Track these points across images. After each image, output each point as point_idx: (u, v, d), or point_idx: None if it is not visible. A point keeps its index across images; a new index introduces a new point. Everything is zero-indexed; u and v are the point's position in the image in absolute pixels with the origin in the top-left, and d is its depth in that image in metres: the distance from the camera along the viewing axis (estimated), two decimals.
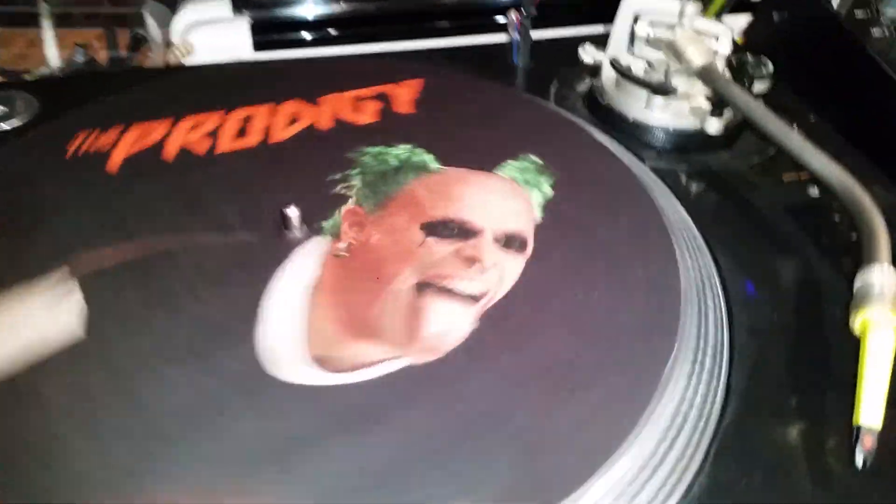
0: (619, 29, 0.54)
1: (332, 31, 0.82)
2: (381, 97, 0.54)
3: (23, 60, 0.82)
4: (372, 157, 0.48)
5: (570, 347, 0.36)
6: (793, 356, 0.39)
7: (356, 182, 0.46)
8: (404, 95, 0.54)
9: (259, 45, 0.77)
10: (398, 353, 0.35)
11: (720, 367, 0.37)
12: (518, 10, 0.61)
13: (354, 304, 0.39)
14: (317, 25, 0.82)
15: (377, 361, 0.35)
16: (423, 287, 0.39)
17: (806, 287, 0.43)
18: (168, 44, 0.80)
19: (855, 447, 0.32)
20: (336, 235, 0.42)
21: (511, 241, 0.42)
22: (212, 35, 0.76)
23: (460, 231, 0.42)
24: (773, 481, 0.33)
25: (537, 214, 0.44)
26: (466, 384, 0.34)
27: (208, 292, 0.39)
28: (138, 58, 0.82)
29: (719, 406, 0.36)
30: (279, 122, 0.51)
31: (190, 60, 0.71)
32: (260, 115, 0.52)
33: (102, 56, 0.82)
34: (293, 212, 0.42)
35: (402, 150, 0.48)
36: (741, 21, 0.72)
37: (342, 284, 0.40)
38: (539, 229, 0.43)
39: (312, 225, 0.42)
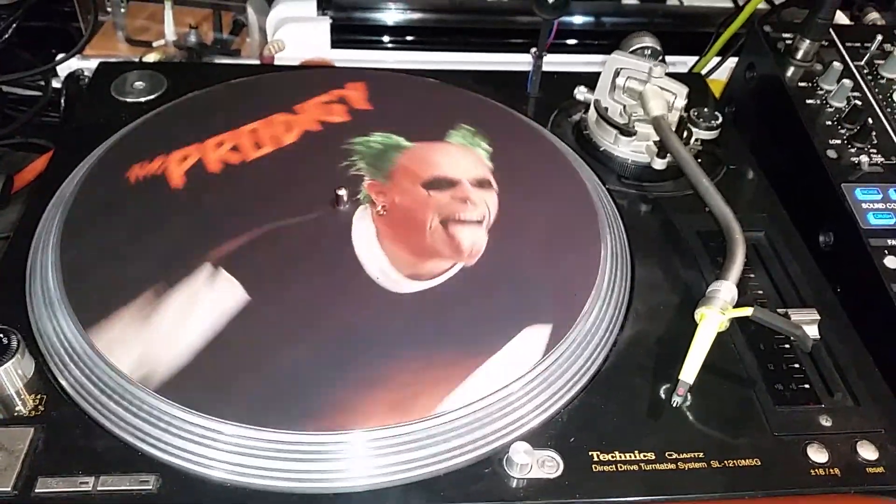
0: (605, 78, 0.71)
1: (404, 38, 0.99)
2: (342, 100, 0.72)
3: (144, 32, 1.01)
4: (362, 145, 0.67)
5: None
6: (664, 331, 0.57)
7: (361, 164, 0.65)
8: (357, 96, 0.72)
9: (335, 44, 0.96)
10: (456, 260, 0.57)
11: (614, 327, 0.56)
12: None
13: (413, 242, 0.59)
14: (388, 30, 0.99)
15: (448, 268, 0.57)
16: (445, 223, 0.60)
17: (692, 287, 0.60)
18: (262, 31, 0.99)
19: (673, 392, 0.50)
20: (370, 202, 0.61)
21: (482, 183, 0.64)
22: (297, 32, 0.94)
23: (446, 183, 0.63)
24: (625, 409, 0.51)
25: (489, 164, 0.65)
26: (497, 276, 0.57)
27: (315, 258, 0.57)
28: (238, 41, 1.01)
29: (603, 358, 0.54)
30: (279, 130, 0.68)
31: (281, 56, 0.90)
32: (262, 128, 0.67)
33: (208, 36, 1.01)
34: (342, 192, 0.61)
35: (379, 137, 0.68)
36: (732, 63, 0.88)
37: (394, 232, 0.59)
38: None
39: (352, 199, 0.61)
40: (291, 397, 0.48)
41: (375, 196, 0.62)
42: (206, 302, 0.53)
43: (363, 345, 0.52)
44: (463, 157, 0.67)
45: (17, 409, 0.49)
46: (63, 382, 0.50)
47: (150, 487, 0.45)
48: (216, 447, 0.47)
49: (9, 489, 0.44)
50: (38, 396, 0.50)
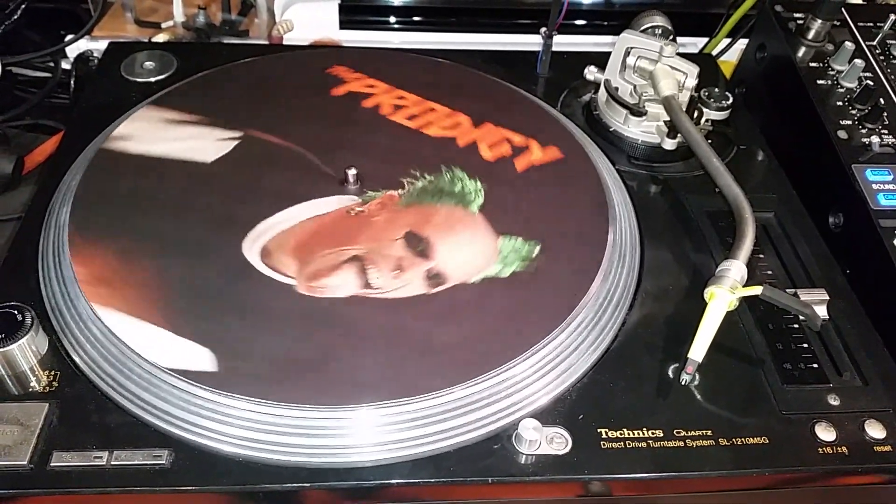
0: (615, 57, 0.70)
1: (412, 18, 0.98)
2: (519, 149, 0.65)
3: (153, 13, 1.01)
4: (450, 177, 0.62)
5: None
6: (673, 311, 0.57)
7: (420, 183, 0.61)
8: (534, 157, 0.64)
9: (343, 24, 0.95)
10: (293, 279, 0.54)
11: (622, 307, 0.56)
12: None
13: (312, 238, 0.56)
14: (397, 11, 0.98)
15: (283, 273, 0.54)
16: (354, 259, 0.55)
17: (701, 267, 0.60)
18: (271, 12, 0.99)
19: (682, 370, 0.50)
20: (365, 202, 0.60)
21: (434, 277, 0.54)
22: (305, 13, 0.94)
23: (422, 251, 0.56)
24: (634, 387, 0.52)
25: (475, 280, 0.54)
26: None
27: (276, 181, 0.61)
28: (246, 22, 1.00)
29: (611, 337, 0.54)
30: (442, 123, 0.67)
31: (289, 36, 0.90)
32: (438, 113, 0.68)
33: (217, 17, 1.00)
34: (352, 172, 0.61)
35: (471, 185, 0.61)
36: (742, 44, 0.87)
37: (327, 226, 0.58)
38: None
39: (364, 187, 0.61)
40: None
41: (376, 202, 0.60)
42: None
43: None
44: (471, 258, 0.56)
45: (31, 385, 0.49)
46: (76, 359, 0.51)
47: (163, 462, 0.46)
48: (228, 422, 0.47)
49: (25, 462, 0.45)
50: (52, 373, 0.50)
